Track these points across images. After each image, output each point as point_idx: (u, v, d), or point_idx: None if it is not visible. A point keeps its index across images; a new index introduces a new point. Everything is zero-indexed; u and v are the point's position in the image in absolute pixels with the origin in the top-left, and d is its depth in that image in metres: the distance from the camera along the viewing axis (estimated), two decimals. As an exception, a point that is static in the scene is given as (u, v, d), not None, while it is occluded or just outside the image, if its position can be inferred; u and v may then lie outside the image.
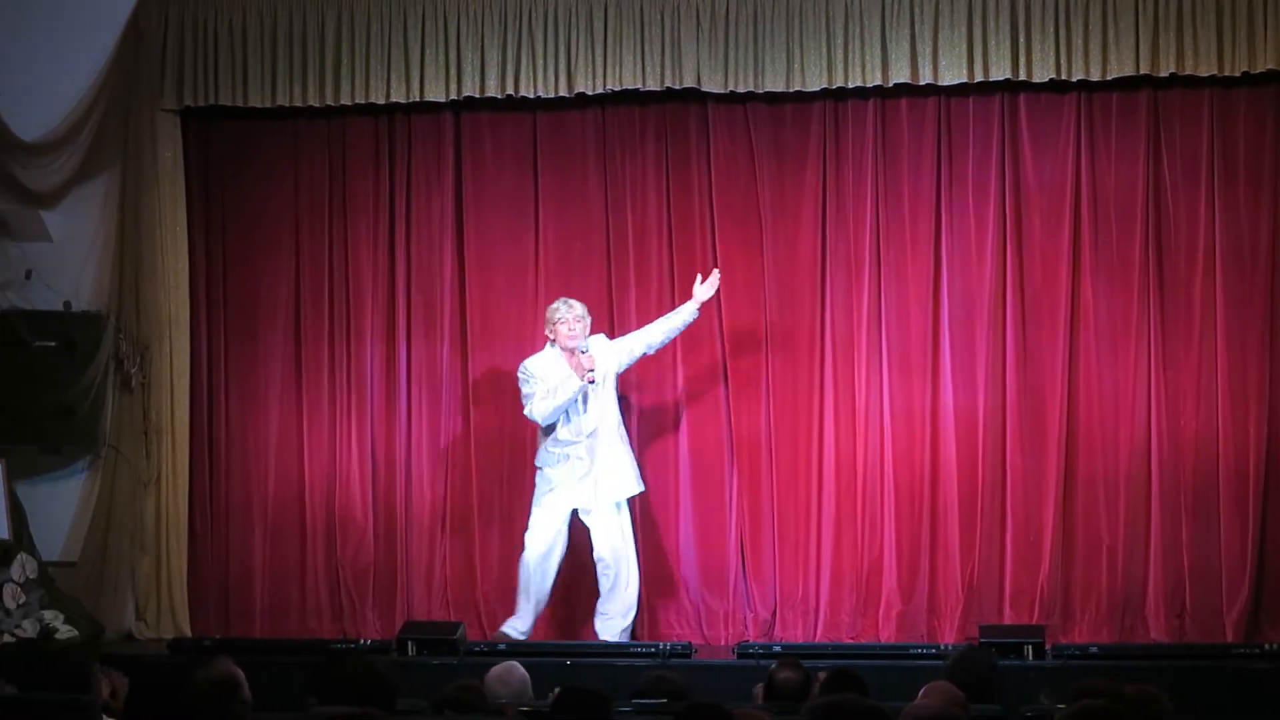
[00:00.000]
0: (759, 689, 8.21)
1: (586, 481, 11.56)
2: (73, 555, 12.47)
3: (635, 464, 11.77)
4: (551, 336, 11.61)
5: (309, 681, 7.41)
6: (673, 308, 12.15)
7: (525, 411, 11.60)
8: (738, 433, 12.29)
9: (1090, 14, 11.78)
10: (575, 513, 11.67)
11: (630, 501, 11.78)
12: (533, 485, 11.92)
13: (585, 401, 11.52)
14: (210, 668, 6.94)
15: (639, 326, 11.96)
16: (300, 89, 12.46)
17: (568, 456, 11.57)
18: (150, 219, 12.52)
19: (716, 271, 11.77)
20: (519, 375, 11.65)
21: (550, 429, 11.60)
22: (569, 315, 11.54)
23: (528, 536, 11.66)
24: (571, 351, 11.52)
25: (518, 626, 11.67)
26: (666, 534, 12.32)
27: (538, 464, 11.70)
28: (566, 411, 11.52)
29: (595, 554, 11.64)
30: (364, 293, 12.67)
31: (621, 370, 11.76)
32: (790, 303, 12.30)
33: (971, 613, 11.89)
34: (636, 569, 11.74)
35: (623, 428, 11.75)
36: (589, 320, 11.62)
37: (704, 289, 11.69)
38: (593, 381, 11.46)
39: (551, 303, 11.73)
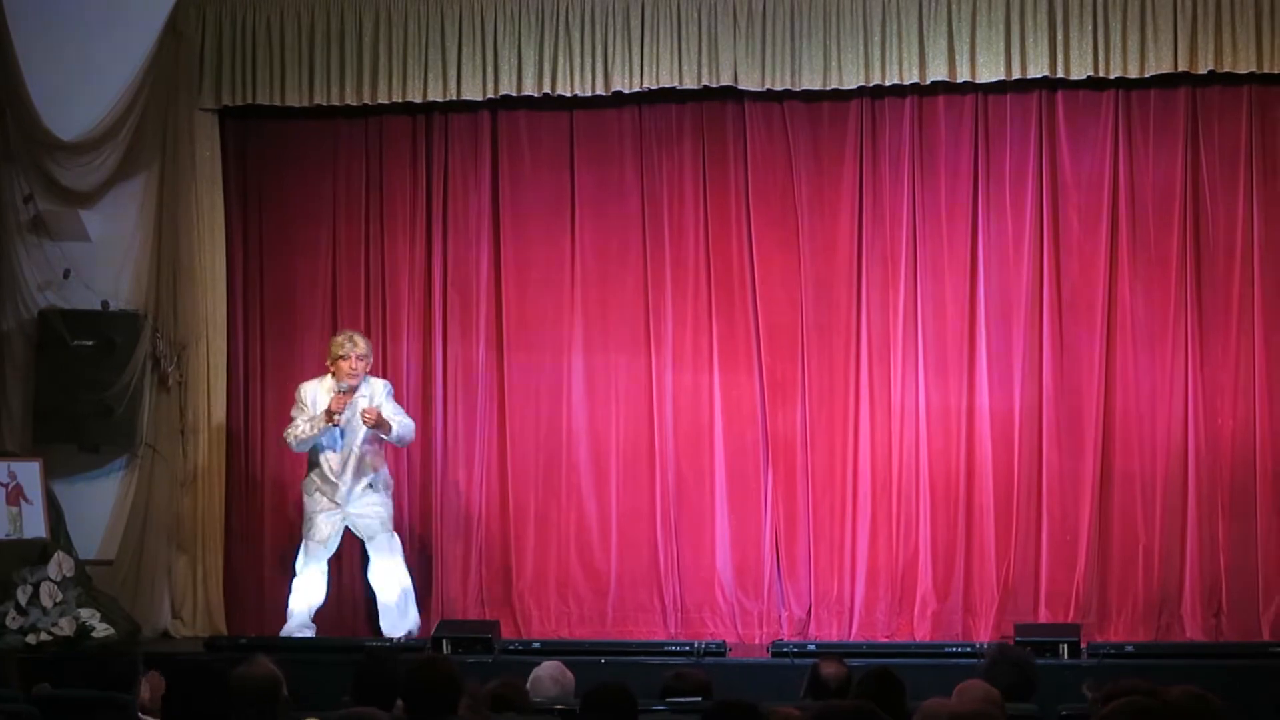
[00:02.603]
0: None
1: (336, 522, 11.72)
2: (110, 554, 12.51)
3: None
4: (331, 368, 11.67)
5: (355, 679, 7.43)
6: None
7: (283, 434, 11.76)
8: (773, 431, 12.27)
9: (1128, 11, 11.74)
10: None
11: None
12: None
13: (340, 444, 11.63)
14: (250, 667, 6.97)
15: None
16: (338, 88, 12.48)
17: (323, 493, 11.69)
18: (188, 219, 12.56)
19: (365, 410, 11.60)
20: (295, 396, 11.78)
21: (311, 457, 11.75)
22: (352, 353, 11.61)
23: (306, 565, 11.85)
24: (344, 363, 11.60)
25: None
26: (702, 532, 12.31)
27: (305, 491, 11.84)
28: (323, 451, 11.65)
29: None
30: (400, 292, 12.69)
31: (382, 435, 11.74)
32: (826, 301, 12.28)
33: (1007, 611, 11.86)
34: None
35: (383, 473, 11.86)
36: (370, 360, 11.74)
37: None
38: (336, 424, 11.54)
39: (336, 335, 11.90)
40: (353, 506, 11.69)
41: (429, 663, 7.18)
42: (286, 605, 11.85)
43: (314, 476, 11.74)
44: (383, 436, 11.65)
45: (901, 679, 7.48)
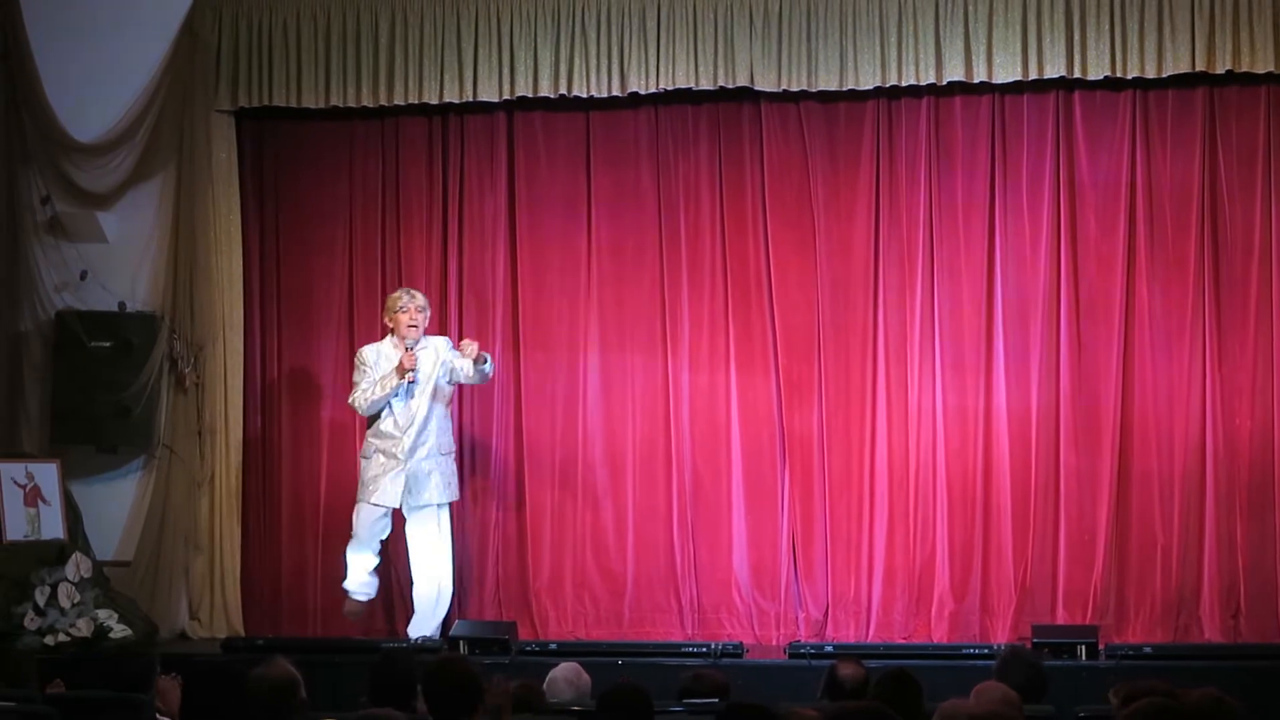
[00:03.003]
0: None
1: (399, 480, 11.60)
2: (127, 555, 12.53)
3: (454, 473, 11.84)
4: (391, 325, 11.62)
5: (370, 679, 7.43)
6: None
7: (350, 398, 11.65)
8: (789, 432, 12.26)
9: (1146, 11, 11.72)
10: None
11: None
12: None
13: (408, 398, 11.55)
14: (268, 668, 6.97)
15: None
16: (354, 89, 12.49)
17: (389, 456, 11.59)
18: (205, 220, 12.58)
19: (469, 343, 11.57)
20: (355, 361, 11.71)
21: (375, 419, 11.64)
22: (411, 305, 11.56)
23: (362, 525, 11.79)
24: (415, 343, 11.55)
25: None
26: (719, 533, 12.30)
27: (361, 456, 11.77)
28: (392, 408, 11.56)
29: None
30: (417, 293, 12.69)
31: (449, 381, 11.70)
32: (843, 301, 12.26)
33: (1024, 612, 11.85)
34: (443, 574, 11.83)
35: (446, 435, 11.78)
36: (429, 313, 11.67)
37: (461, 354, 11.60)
38: (412, 380, 11.48)
39: (395, 292, 11.77)
40: (413, 464, 11.59)
41: (449, 663, 7.18)
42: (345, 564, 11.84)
43: (372, 440, 11.64)
44: (484, 369, 11.57)
45: (919, 680, 7.47)
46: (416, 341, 11.55)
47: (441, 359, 11.60)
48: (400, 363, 11.44)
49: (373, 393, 11.49)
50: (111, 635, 11.69)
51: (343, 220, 12.84)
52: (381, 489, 11.59)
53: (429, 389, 11.58)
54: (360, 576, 11.81)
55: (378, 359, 11.56)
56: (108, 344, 12.41)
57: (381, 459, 11.58)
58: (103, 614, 11.80)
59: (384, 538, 11.84)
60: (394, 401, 11.52)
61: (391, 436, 11.57)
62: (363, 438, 11.93)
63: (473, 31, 12.38)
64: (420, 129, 12.79)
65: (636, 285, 12.54)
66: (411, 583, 11.87)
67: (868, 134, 12.33)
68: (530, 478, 12.52)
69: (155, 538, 12.48)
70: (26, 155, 12.59)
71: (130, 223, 12.74)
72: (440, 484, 11.68)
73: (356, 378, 11.62)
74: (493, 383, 12.49)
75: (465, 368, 11.53)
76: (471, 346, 11.44)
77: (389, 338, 11.64)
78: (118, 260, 12.66)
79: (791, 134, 12.41)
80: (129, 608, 12.06)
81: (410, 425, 11.55)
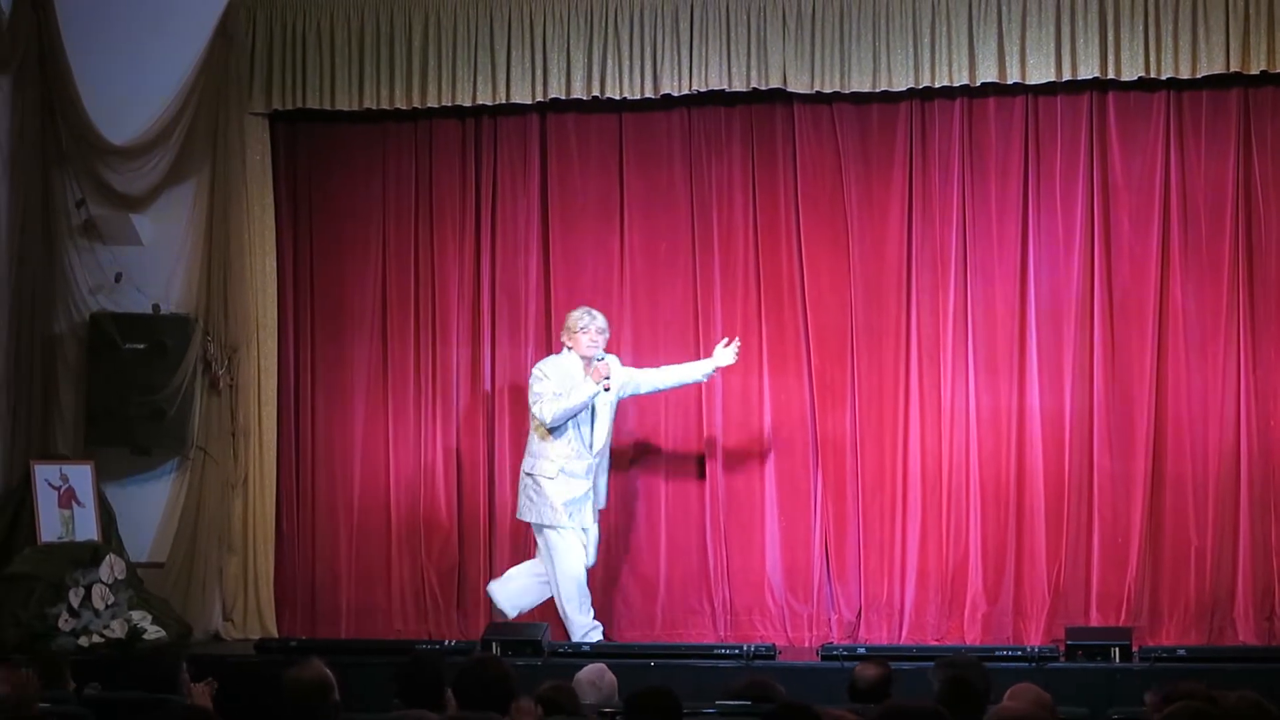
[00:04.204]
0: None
1: (586, 501, 11.55)
2: (161, 556, 12.56)
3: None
4: (569, 344, 11.53)
5: (399, 681, 7.43)
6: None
7: (534, 410, 11.50)
8: (823, 433, 12.25)
9: (1180, 11, 11.68)
10: None
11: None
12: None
13: (593, 418, 11.49)
14: (302, 669, 6.98)
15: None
16: (387, 92, 12.51)
17: (580, 478, 11.51)
18: (239, 222, 12.60)
19: (737, 340, 11.63)
20: (531, 375, 11.61)
21: (557, 437, 11.49)
22: (591, 326, 11.49)
23: (566, 561, 11.57)
24: (588, 361, 11.45)
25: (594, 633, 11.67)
26: (751, 535, 12.29)
27: (537, 477, 11.56)
28: (579, 425, 11.48)
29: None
30: (450, 295, 12.71)
31: (620, 396, 11.69)
32: (876, 303, 12.25)
33: (1058, 615, 11.82)
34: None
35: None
36: (608, 335, 11.59)
37: (725, 354, 11.58)
38: (608, 388, 11.43)
39: (575, 310, 11.68)
40: (597, 481, 11.59)
41: (481, 662, 7.18)
42: (567, 618, 11.65)
43: (553, 459, 11.49)
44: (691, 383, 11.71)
45: (982, 685, 7.36)
46: (601, 358, 11.48)
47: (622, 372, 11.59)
48: (596, 369, 11.39)
49: (565, 402, 11.38)
50: (145, 636, 11.73)
51: (376, 222, 12.85)
52: (584, 511, 11.55)
53: (614, 403, 11.56)
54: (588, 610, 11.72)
55: (560, 372, 11.48)
56: (142, 346, 12.43)
57: (572, 480, 11.49)
58: (136, 615, 11.84)
59: None
60: (581, 423, 11.48)
61: (582, 457, 11.50)
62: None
63: (505, 33, 12.38)
64: (453, 131, 12.80)
65: (670, 287, 12.54)
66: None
67: (901, 135, 12.32)
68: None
69: (189, 539, 12.50)
70: (61, 158, 12.62)
71: (164, 225, 12.77)
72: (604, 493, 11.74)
73: (538, 389, 11.47)
74: (526, 384, 12.48)
75: (694, 375, 11.65)
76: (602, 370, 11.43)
77: (565, 353, 11.55)
78: (152, 263, 12.69)
79: (825, 135, 12.40)
80: (162, 609, 12.09)
81: (596, 442, 11.53)
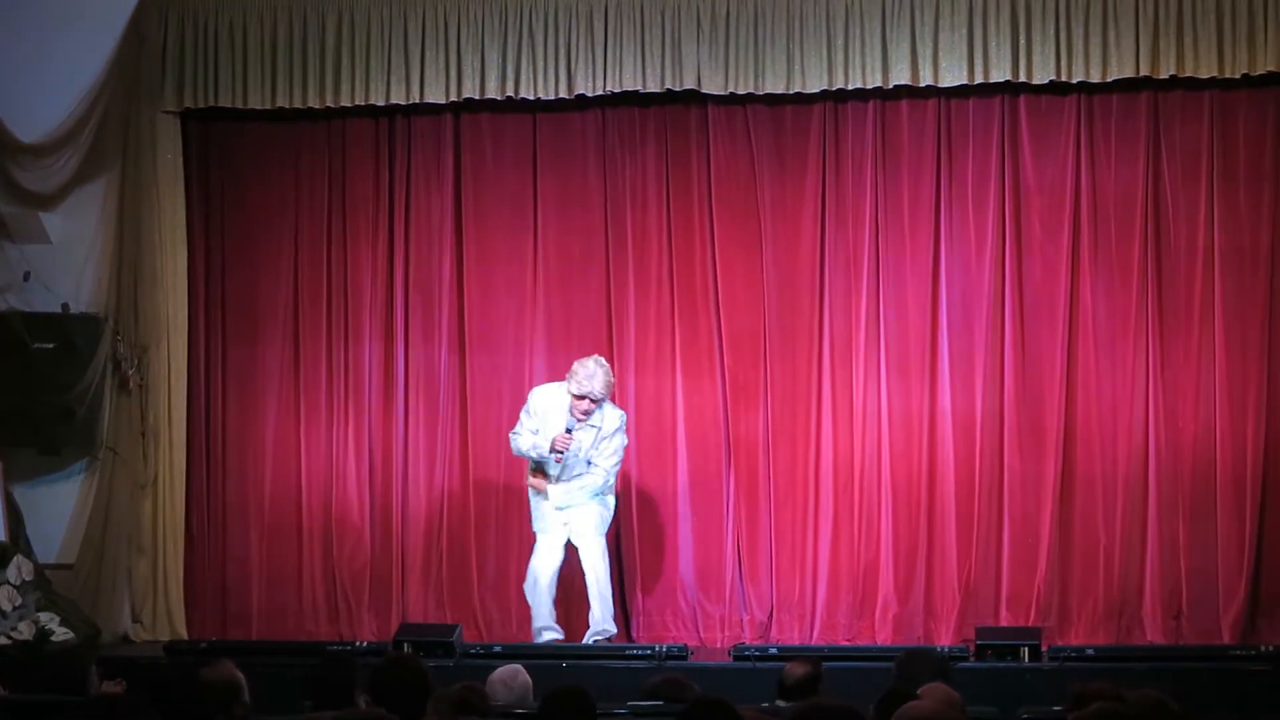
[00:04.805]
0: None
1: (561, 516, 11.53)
2: (70, 557, 12.45)
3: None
4: (570, 387, 11.33)
5: (310, 681, 7.41)
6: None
7: (511, 434, 11.55)
8: (735, 434, 12.28)
9: (1090, 16, 11.77)
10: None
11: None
12: (525, 485, 11.98)
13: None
14: (213, 670, 6.96)
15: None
16: (300, 91, 12.46)
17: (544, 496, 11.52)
18: (149, 221, 12.52)
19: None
20: (528, 396, 11.60)
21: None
22: (587, 399, 11.23)
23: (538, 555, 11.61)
24: (575, 404, 11.30)
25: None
26: (663, 536, 12.31)
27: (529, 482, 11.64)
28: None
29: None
30: (362, 294, 12.67)
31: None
32: (789, 305, 12.28)
33: (968, 614, 11.89)
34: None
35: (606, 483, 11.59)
36: (607, 398, 11.38)
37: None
38: (559, 460, 11.35)
39: (582, 359, 11.44)
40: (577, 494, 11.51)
41: (398, 661, 7.17)
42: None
43: (531, 472, 11.60)
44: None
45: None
46: (579, 422, 11.33)
47: (603, 435, 11.39)
48: (553, 443, 11.29)
49: (524, 444, 11.39)
50: (53, 638, 11.62)
51: (288, 222, 12.80)
52: (555, 518, 11.57)
53: (581, 459, 11.43)
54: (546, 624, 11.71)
55: (546, 410, 11.39)
56: (51, 345, 12.32)
57: (539, 496, 11.58)
58: (44, 617, 11.73)
59: None
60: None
61: (550, 471, 11.49)
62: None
63: (419, 33, 12.35)
64: (367, 131, 12.76)
65: (583, 287, 12.55)
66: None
67: (814, 137, 12.36)
68: (475, 479, 12.51)
69: (98, 540, 12.40)
70: (-31, 155, 12.51)
71: (75, 223, 12.66)
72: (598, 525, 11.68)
73: (523, 416, 11.46)
74: (439, 382, 12.54)
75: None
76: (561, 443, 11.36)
77: (564, 387, 11.38)
78: (62, 261, 12.58)
79: (738, 137, 12.43)
80: (71, 610, 11.99)
81: (558, 471, 11.45)
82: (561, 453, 11.32)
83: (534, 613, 11.60)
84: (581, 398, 11.27)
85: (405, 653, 10.60)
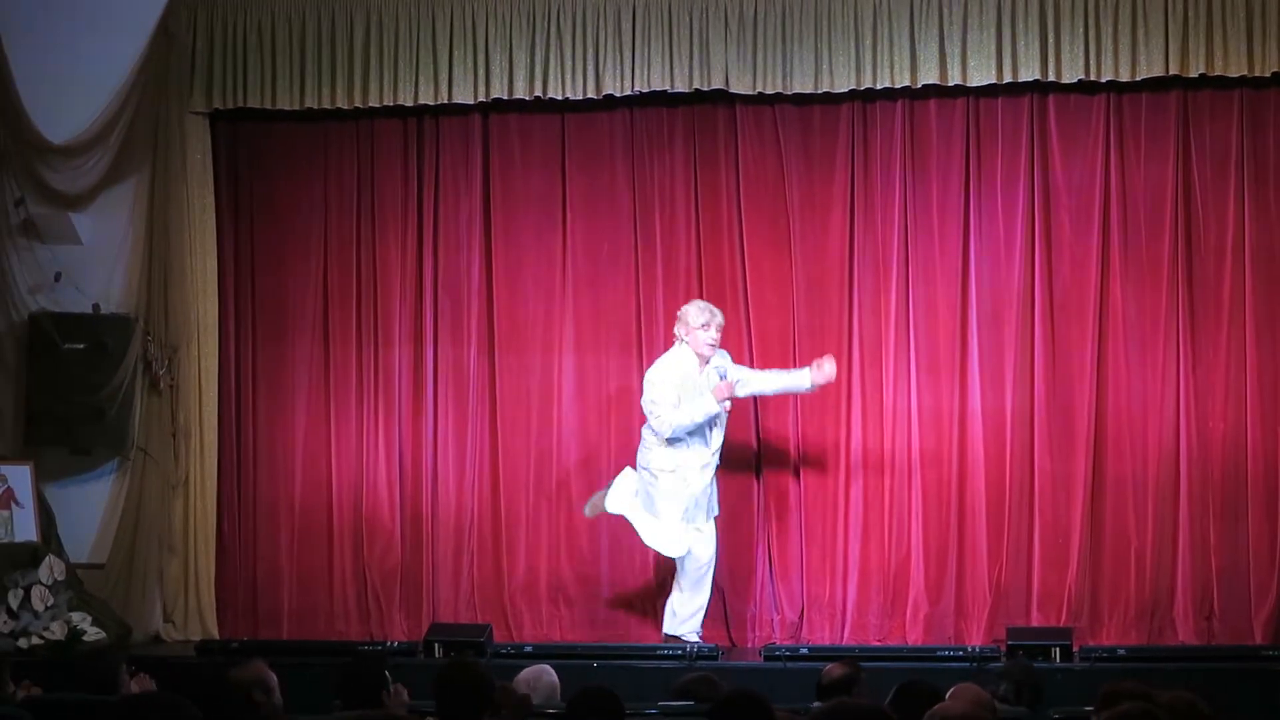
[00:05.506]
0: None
1: (702, 499, 11.40)
2: (101, 557, 12.49)
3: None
4: (684, 337, 11.30)
5: (340, 681, 7.42)
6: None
7: (651, 421, 11.29)
8: (765, 433, 12.26)
9: (1120, 14, 11.74)
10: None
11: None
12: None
13: (714, 419, 11.32)
14: (243, 670, 6.97)
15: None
16: (329, 91, 12.47)
17: (699, 476, 11.34)
18: (179, 222, 12.55)
19: (831, 359, 11.41)
20: (647, 378, 11.38)
21: (675, 443, 11.30)
22: (713, 322, 11.26)
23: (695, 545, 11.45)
24: (704, 360, 11.28)
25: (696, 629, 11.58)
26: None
27: (655, 471, 11.37)
28: (703, 429, 11.29)
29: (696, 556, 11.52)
30: (392, 295, 12.68)
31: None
32: (818, 304, 12.27)
33: (999, 614, 11.86)
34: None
35: None
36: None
37: (820, 375, 11.34)
38: (729, 410, 11.29)
39: (688, 304, 11.48)
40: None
41: (461, 666, 7.15)
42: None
43: (670, 456, 11.26)
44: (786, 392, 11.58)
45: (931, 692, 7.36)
46: (724, 372, 11.30)
47: (733, 376, 11.36)
48: (720, 387, 11.17)
49: (684, 417, 11.15)
50: (85, 638, 11.66)
51: (317, 222, 12.82)
52: (696, 510, 11.37)
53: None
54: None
55: (677, 375, 11.24)
56: (82, 346, 12.36)
57: (689, 478, 11.30)
58: (76, 617, 11.77)
59: None
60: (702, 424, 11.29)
61: (701, 456, 11.31)
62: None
63: (448, 33, 12.36)
64: (395, 131, 12.77)
65: (612, 287, 12.54)
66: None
67: (843, 137, 12.34)
68: (505, 479, 12.51)
69: (129, 540, 12.44)
70: (0, 157, 12.54)
71: (105, 224, 12.69)
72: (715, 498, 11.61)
73: (655, 396, 11.21)
74: (468, 383, 12.53)
75: (794, 383, 11.45)
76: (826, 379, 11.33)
77: (679, 349, 11.34)
78: (92, 262, 12.62)
79: (767, 137, 12.42)
80: (103, 610, 12.02)
81: (719, 444, 11.40)
82: (730, 399, 11.22)
83: (700, 609, 11.51)
84: (707, 326, 11.20)
85: (467, 656, 10.45)
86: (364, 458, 12.60)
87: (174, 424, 12.52)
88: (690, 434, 11.25)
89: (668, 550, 11.44)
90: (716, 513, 11.59)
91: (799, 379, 11.50)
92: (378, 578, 12.50)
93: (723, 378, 11.29)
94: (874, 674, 8.42)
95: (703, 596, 11.56)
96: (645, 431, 11.43)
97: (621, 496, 11.51)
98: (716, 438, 11.39)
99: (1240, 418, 11.84)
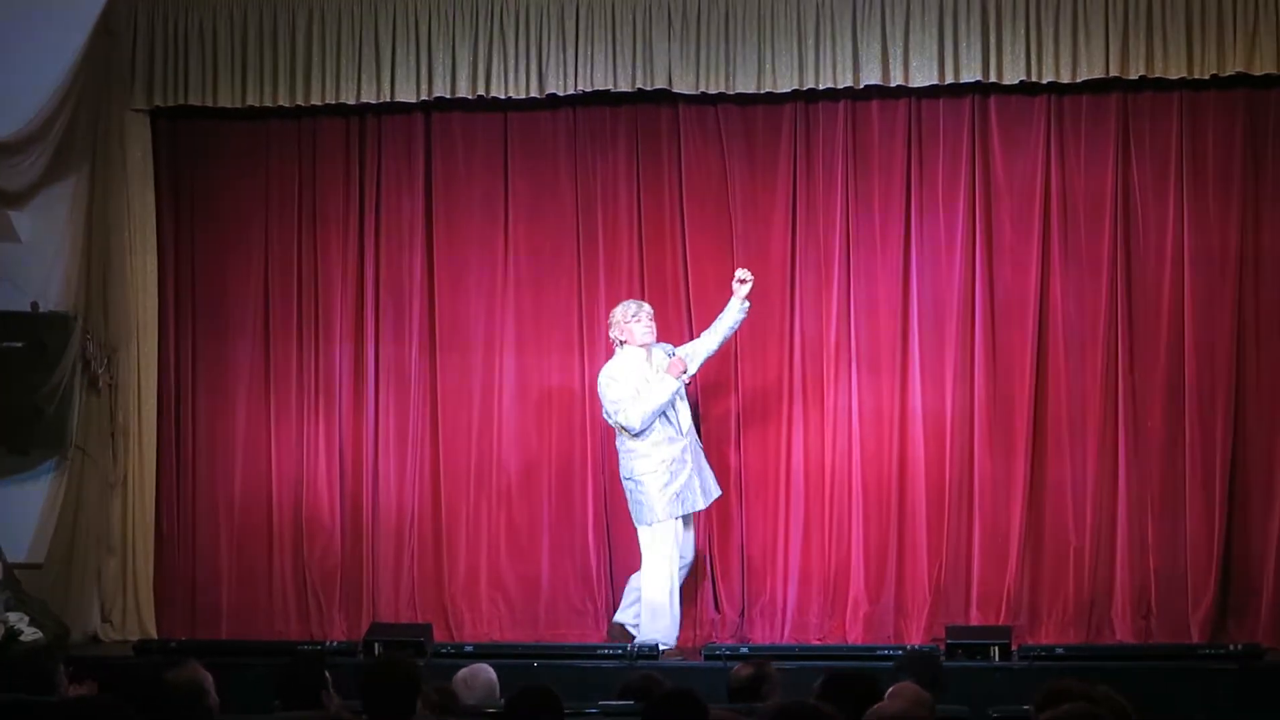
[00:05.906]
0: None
1: (693, 482, 11.44)
2: (39, 557, 12.41)
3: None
4: (622, 339, 11.41)
5: (278, 681, 7.39)
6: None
7: (618, 419, 11.33)
8: (706, 433, 12.26)
9: (1060, 16, 11.79)
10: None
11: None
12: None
13: (676, 400, 11.38)
14: (179, 670, 6.94)
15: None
16: (270, 89, 12.43)
17: (682, 462, 11.38)
18: (119, 219, 12.48)
19: (743, 269, 11.55)
20: (600, 384, 11.43)
21: (646, 434, 11.31)
22: (642, 313, 11.40)
23: (664, 555, 11.40)
24: (648, 349, 11.38)
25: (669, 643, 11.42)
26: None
27: (638, 477, 11.39)
28: (665, 414, 11.35)
29: (681, 553, 11.51)
30: (333, 293, 12.65)
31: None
32: (759, 303, 12.23)
33: (938, 613, 11.90)
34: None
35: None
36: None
37: (743, 289, 11.47)
38: (688, 382, 11.38)
39: (618, 305, 11.59)
40: (700, 464, 11.48)
41: (388, 663, 7.14)
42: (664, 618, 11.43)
43: (648, 454, 11.28)
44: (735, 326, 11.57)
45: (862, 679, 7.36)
46: (672, 350, 11.45)
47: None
48: (673, 363, 11.31)
49: (646, 403, 11.22)
50: (22, 638, 11.58)
51: (259, 221, 12.78)
52: (693, 494, 11.41)
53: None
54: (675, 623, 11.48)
55: (628, 371, 11.31)
56: (20, 344, 12.28)
57: (673, 468, 11.31)
58: (13, 617, 11.69)
59: None
60: (665, 410, 11.30)
61: (675, 441, 11.33)
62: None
63: (390, 32, 12.33)
64: (337, 129, 12.74)
65: (554, 287, 12.54)
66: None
67: (785, 137, 12.37)
68: (446, 479, 12.49)
69: (67, 540, 12.37)
70: (-64, 154, 12.47)
71: (44, 222, 12.61)
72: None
73: (614, 394, 11.28)
74: (409, 382, 12.51)
75: (729, 316, 11.47)
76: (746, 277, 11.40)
77: (622, 352, 11.42)
78: (31, 260, 12.54)
79: (710, 136, 12.43)
80: (40, 610, 11.94)
81: (689, 423, 11.44)
82: (686, 370, 11.33)
83: (672, 624, 11.40)
84: (637, 316, 11.36)
85: (396, 654, 10.46)
86: (304, 457, 12.57)
87: (113, 423, 12.46)
88: (659, 425, 11.29)
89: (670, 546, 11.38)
90: (718, 494, 11.63)
91: (732, 312, 11.55)
92: (317, 577, 12.47)
93: (670, 355, 11.37)
94: (814, 674, 8.42)
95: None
96: (618, 443, 11.48)
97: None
98: (684, 417, 11.43)
99: (1179, 418, 11.90)
